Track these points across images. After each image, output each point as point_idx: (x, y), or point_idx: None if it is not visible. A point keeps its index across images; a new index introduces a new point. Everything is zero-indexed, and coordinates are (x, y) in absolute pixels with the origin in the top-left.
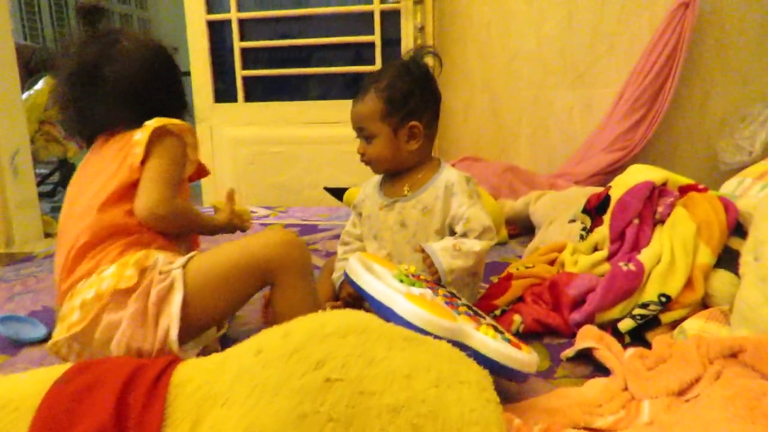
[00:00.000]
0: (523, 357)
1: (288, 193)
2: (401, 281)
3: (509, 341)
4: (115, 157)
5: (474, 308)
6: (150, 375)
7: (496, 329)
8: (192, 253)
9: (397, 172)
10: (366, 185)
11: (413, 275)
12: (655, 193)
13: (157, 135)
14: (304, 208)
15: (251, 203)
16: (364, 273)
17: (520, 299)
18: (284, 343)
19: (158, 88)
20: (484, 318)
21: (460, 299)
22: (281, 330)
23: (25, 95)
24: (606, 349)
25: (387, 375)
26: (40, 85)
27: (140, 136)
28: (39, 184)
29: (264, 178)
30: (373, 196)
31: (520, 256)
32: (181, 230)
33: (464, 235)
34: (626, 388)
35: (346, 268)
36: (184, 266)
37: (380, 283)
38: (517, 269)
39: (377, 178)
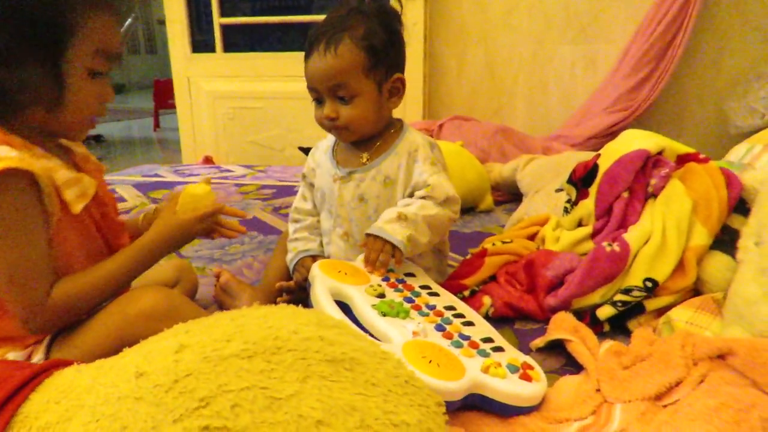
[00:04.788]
0: (537, 391)
1: (269, 152)
2: (383, 314)
3: (518, 370)
4: None
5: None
6: None
7: (498, 350)
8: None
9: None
10: (316, 151)
11: (384, 280)
12: (649, 163)
13: None
14: (284, 167)
15: (231, 161)
16: (336, 314)
17: (493, 278)
18: (173, 365)
19: None
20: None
21: (432, 289)
22: (178, 341)
23: None
24: (580, 342)
25: (290, 423)
26: None
27: None
28: None
29: (244, 134)
30: (325, 164)
31: (503, 225)
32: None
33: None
34: (599, 389)
35: (312, 298)
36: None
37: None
38: (493, 244)
39: (328, 142)
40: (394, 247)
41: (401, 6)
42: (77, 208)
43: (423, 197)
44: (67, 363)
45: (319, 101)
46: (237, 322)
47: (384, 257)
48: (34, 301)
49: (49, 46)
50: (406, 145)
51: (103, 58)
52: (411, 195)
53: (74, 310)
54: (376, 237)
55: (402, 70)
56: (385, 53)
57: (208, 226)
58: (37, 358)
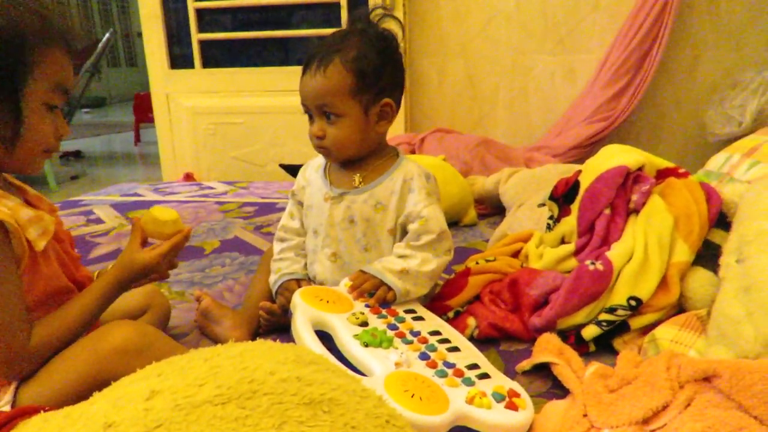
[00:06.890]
0: (523, 420)
1: (251, 167)
2: (366, 344)
3: (504, 399)
4: None
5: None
6: None
7: (483, 377)
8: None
9: (351, 159)
10: (307, 169)
11: (367, 307)
12: (629, 179)
13: None
14: (267, 183)
15: (212, 178)
16: (316, 347)
17: (477, 298)
18: (143, 414)
19: None
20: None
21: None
22: (149, 386)
23: None
24: (566, 364)
25: None
26: None
27: None
28: None
29: (225, 151)
30: (316, 182)
31: (487, 240)
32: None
33: (417, 237)
34: (586, 414)
35: (292, 329)
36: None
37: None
38: (477, 263)
39: (320, 160)
40: (389, 288)
41: (403, 30)
42: (41, 245)
43: (418, 236)
44: (34, 410)
45: (311, 117)
46: (211, 363)
47: (379, 294)
48: (16, 349)
49: (8, 83)
50: (402, 173)
51: (59, 92)
52: (404, 225)
53: (50, 352)
54: (374, 276)
55: (393, 95)
56: (375, 77)
57: (172, 260)
58: (6, 398)
